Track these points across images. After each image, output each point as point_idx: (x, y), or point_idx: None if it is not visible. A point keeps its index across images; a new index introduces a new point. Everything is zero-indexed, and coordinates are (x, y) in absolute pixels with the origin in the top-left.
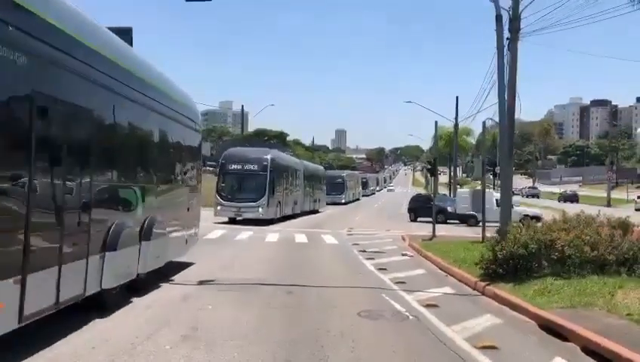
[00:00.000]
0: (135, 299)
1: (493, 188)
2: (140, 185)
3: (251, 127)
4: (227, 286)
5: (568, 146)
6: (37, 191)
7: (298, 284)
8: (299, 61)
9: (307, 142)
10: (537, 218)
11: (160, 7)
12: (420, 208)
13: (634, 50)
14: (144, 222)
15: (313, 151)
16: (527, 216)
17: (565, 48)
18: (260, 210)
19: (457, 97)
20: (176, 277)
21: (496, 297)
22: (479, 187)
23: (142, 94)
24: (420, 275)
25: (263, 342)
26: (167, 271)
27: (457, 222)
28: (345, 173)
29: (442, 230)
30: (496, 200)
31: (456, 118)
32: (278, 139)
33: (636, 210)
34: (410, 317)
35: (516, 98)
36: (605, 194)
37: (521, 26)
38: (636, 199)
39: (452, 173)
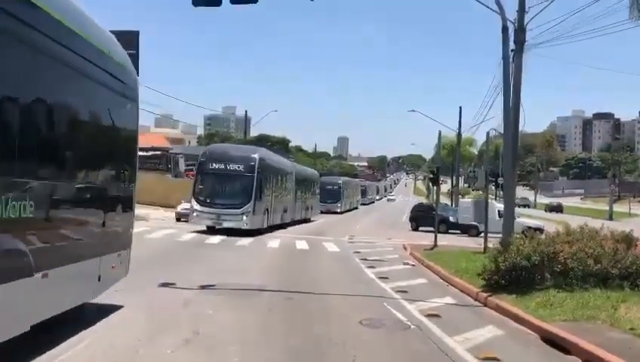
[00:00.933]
0: None
1: (495, 199)
2: None
3: (254, 133)
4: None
5: (570, 158)
6: None
7: (299, 291)
8: (303, 67)
9: (309, 148)
10: (540, 230)
11: (169, 10)
12: (421, 217)
13: (638, 64)
14: None
15: (315, 157)
16: (529, 227)
17: (568, 60)
18: (244, 218)
19: (460, 108)
20: None
21: (498, 308)
22: (480, 197)
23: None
24: (422, 285)
25: (265, 348)
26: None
27: (459, 232)
28: (341, 179)
29: (444, 240)
30: (499, 210)
31: (459, 128)
32: (280, 145)
33: None
34: (412, 327)
35: (520, 110)
36: (607, 208)
37: (526, 38)
38: None
39: (454, 183)
